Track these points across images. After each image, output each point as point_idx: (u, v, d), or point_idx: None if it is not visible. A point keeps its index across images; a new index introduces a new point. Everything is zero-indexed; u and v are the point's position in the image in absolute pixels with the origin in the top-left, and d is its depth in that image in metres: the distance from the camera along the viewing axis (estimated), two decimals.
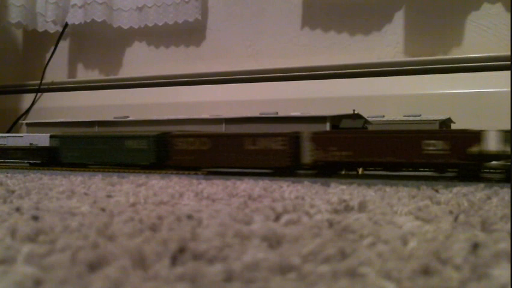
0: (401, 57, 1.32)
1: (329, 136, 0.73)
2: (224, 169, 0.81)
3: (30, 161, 1.03)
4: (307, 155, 0.73)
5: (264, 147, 0.75)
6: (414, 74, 1.24)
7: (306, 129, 0.79)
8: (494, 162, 0.72)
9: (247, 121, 1.00)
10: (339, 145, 0.71)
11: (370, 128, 0.89)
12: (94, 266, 0.24)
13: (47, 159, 0.98)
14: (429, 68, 1.23)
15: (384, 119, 1.00)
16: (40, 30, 1.71)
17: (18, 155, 1.02)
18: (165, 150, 0.84)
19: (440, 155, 0.66)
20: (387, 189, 0.59)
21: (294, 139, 0.74)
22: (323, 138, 0.73)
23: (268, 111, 1.01)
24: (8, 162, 1.07)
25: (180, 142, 0.81)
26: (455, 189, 0.56)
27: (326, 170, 0.75)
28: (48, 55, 1.77)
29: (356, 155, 0.70)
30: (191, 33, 1.58)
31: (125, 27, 1.61)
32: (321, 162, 0.73)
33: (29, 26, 1.69)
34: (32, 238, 0.30)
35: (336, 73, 1.33)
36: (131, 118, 1.19)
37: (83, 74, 1.77)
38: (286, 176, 0.73)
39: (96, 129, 1.20)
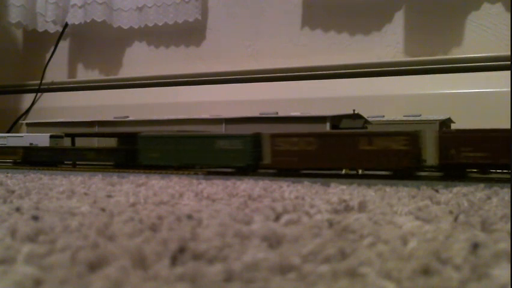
0: (401, 57, 1.32)
1: (462, 135, 0.67)
2: (329, 171, 0.77)
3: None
4: (432, 155, 0.69)
5: (383, 147, 0.70)
6: (414, 74, 1.24)
7: (306, 129, 0.79)
8: None
9: (247, 121, 1.00)
10: (475, 145, 0.66)
11: (370, 128, 0.89)
12: (94, 266, 0.24)
13: (123, 160, 0.94)
14: (430, 68, 1.23)
15: (384, 119, 1.00)
16: (40, 30, 1.71)
17: (92, 156, 0.97)
18: (262, 150, 0.80)
19: None
20: (387, 189, 0.58)
21: (418, 138, 0.69)
22: (453, 137, 0.68)
23: (268, 111, 1.02)
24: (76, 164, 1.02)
25: (282, 142, 0.77)
26: (455, 189, 0.56)
27: (453, 172, 0.70)
28: (48, 55, 1.77)
29: (496, 156, 0.65)
30: (191, 33, 1.58)
31: (125, 27, 1.61)
32: (450, 163, 0.68)
33: (29, 26, 1.69)
34: (32, 238, 0.30)
35: (336, 73, 1.33)
36: (131, 118, 1.19)
37: (83, 74, 1.77)
38: (407, 179, 0.69)
39: (96, 129, 1.20)
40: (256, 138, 0.81)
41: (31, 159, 1.04)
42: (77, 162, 1.03)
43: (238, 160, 0.81)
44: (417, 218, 0.38)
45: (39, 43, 1.81)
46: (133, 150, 0.91)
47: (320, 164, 0.75)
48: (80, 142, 1.11)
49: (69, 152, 1.00)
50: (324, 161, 0.75)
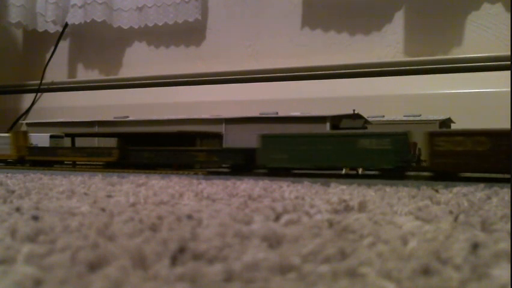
0: (401, 57, 1.32)
1: None
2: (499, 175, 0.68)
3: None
4: None
5: None
6: (414, 74, 1.24)
7: (306, 130, 0.79)
8: None
9: (247, 121, 1.00)
10: None
11: (370, 128, 0.89)
12: (94, 266, 0.24)
13: (244, 162, 0.85)
14: (429, 68, 1.23)
15: (384, 119, 1.00)
16: (40, 30, 1.71)
17: (203, 158, 0.87)
18: (415, 151, 0.72)
19: None
20: (387, 189, 0.58)
21: None
22: None
23: (268, 111, 1.02)
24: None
25: (443, 141, 0.69)
26: (455, 189, 0.56)
27: None
28: (48, 55, 1.77)
29: None
30: (191, 33, 1.58)
31: (125, 27, 1.61)
32: None
33: (29, 26, 1.70)
34: (32, 238, 0.30)
35: (336, 73, 1.33)
36: (131, 118, 1.19)
37: (83, 74, 1.77)
38: None
39: (96, 129, 1.20)
40: (408, 137, 0.73)
41: (129, 160, 0.95)
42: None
43: (385, 161, 0.73)
44: (417, 218, 0.38)
45: (39, 43, 1.82)
46: (252, 151, 0.83)
47: (493, 167, 0.66)
48: (80, 142, 1.11)
49: (176, 153, 0.90)
50: (499, 164, 0.65)
